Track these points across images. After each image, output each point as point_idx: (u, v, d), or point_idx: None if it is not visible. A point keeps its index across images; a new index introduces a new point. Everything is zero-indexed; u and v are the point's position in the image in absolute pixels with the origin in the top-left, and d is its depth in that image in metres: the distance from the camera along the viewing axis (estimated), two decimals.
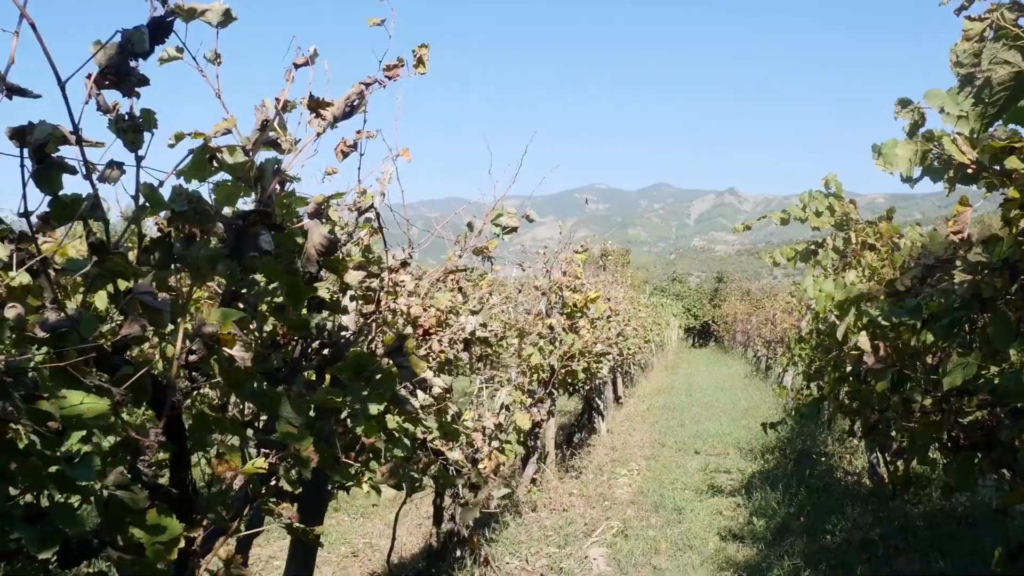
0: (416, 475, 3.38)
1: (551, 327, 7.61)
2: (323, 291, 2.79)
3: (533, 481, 7.62)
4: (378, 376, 2.13)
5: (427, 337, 3.15)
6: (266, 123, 2.19)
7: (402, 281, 2.88)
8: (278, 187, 2.36)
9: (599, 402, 11.81)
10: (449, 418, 3.86)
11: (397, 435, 3.15)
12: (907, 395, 4.14)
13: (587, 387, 9.96)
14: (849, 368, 4.88)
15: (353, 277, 2.59)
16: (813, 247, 5.76)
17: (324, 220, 2.10)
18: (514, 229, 2.86)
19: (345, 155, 3.25)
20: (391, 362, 2.12)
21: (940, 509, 6.55)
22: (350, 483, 3.08)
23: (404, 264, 3.02)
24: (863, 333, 4.11)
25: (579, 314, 8.22)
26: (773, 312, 20.55)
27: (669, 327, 34.28)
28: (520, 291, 7.50)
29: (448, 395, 3.92)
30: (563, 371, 7.67)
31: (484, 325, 3.74)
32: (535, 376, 7.26)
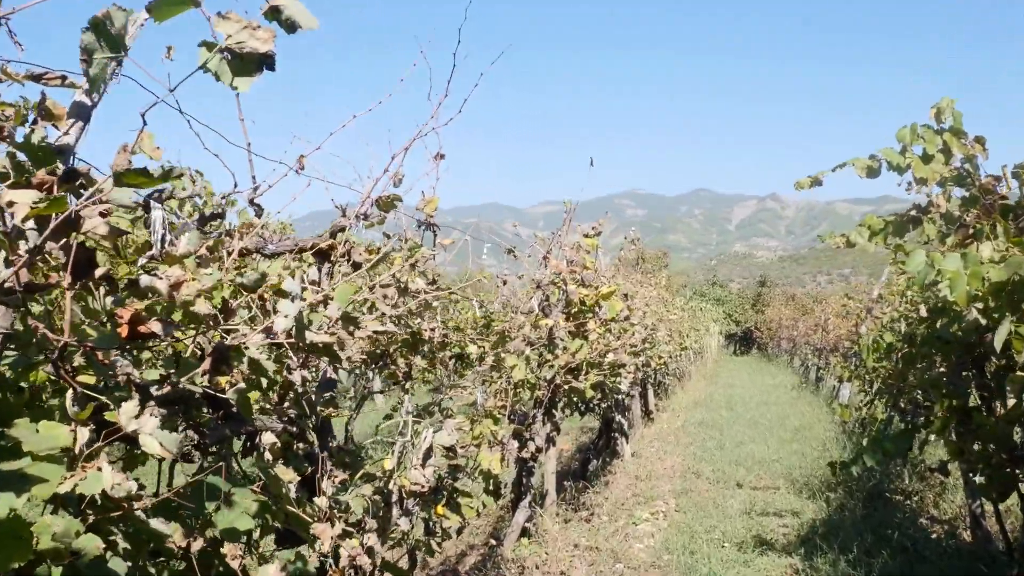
0: None
1: (550, 330, 5.84)
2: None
3: (524, 532, 5.84)
4: None
5: (137, 339, 1.41)
6: None
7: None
8: None
9: (622, 420, 9.96)
10: (293, 494, 2.11)
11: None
12: None
13: (604, 405, 8.14)
14: (1012, 397, 3.03)
15: None
16: (915, 212, 3.91)
17: None
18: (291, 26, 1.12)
19: None
20: None
21: None
22: None
23: (74, 178, 1.28)
24: None
25: (589, 314, 6.43)
26: (824, 317, 18.47)
27: (708, 333, 32.14)
28: (505, 283, 5.73)
29: (289, 450, 2.19)
30: (566, 387, 5.90)
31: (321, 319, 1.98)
32: (528, 394, 5.50)
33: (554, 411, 6.27)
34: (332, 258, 2.75)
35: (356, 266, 2.87)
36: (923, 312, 6.19)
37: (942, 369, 5.71)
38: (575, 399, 6.75)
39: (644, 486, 8.33)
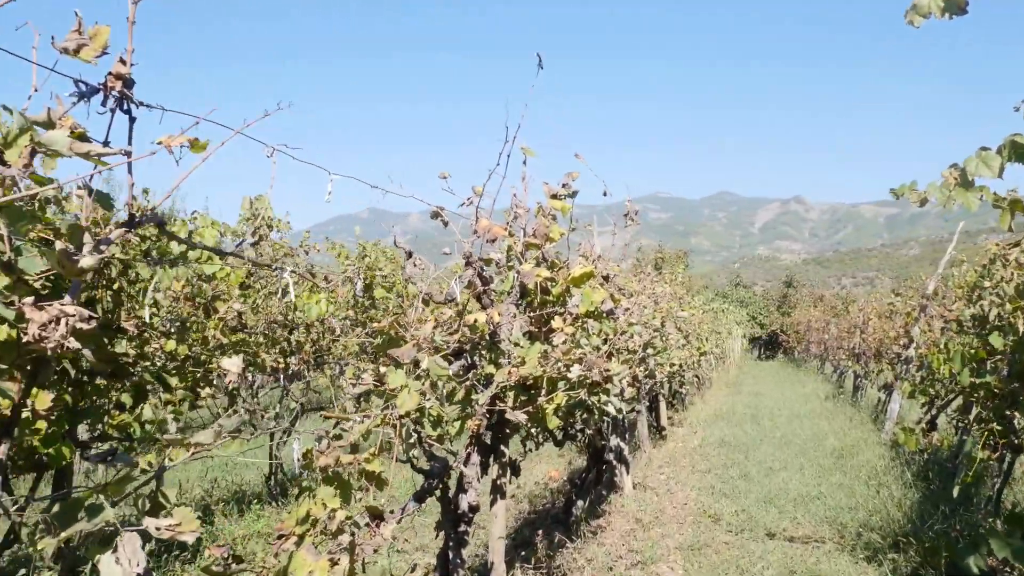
0: None
1: (494, 328, 3.88)
2: None
3: None
4: None
5: None
6: None
7: None
8: None
9: (622, 445, 7.93)
10: None
11: None
12: None
13: (589, 431, 6.10)
14: None
15: None
16: None
17: None
18: None
19: None
20: None
21: None
22: None
23: None
24: None
25: (559, 307, 4.42)
26: (863, 318, 16.25)
27: (731, 336, 29.89)
28: (410, 255, 3.74)
29: None
30: (518, 412, 3.91)
31: None
32: (434, 430, 3.53)
33: (503, 447, 4.29)
34: None
35: None
36: None
37: None
38: (534, 429, 4.79)
39: (644, 538, 6.28)
